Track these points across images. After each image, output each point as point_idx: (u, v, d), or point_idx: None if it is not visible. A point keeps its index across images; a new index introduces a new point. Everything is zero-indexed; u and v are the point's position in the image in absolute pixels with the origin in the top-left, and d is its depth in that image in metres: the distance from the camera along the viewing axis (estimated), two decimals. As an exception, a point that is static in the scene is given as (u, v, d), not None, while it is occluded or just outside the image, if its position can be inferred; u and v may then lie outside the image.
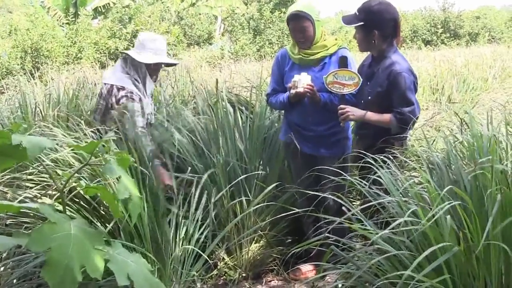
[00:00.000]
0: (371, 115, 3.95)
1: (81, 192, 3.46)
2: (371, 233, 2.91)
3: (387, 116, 3.91)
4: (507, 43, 25.93)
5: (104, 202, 3.20)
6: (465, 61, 11.17)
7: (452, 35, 29.32)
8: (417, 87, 4.01)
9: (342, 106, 3.96)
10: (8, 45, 18.39)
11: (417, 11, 32.78)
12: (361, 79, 3.87)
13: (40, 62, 17.24)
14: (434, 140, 3.97)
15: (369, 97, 3.99)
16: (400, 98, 3.88)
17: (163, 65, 4.77)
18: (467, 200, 2.45)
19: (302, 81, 4.00)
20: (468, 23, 29.97)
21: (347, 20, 4.05)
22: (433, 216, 2.45)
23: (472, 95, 9.32)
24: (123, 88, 4.37)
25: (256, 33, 22.26)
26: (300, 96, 4.05)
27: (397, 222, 2.56)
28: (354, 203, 4.17)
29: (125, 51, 4.63)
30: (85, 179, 3.47)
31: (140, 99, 4.41)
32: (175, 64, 5.12)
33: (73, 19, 21.73)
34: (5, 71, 16.53)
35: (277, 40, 21.69)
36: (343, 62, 4.02)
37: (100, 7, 28.19)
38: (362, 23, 3.94)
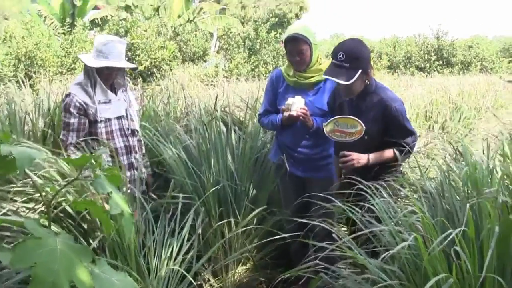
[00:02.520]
0: (374, 157, 3.75)
1: (66, 208, 3.40)
2: (362, 260, 2.86)
3: (390, 152, 3.74)
4: (499, 73, 26.11)
5: (96, 218, 3.14)
6: (460, 90, 11.21)
7: (444, 63, 29.54)
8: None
9: (346, 153, 3.76)
10: (1, 52, 18.28)
11: (411, 37, 33.01)
12: (364, 127, 3.66)
13: (33, 70, 17.16)
14: (427, 169, 3.92)
15: (365, 137, 3.73)
16: (402, 131, 3.76)
17: (126, 70, 4.55)
18: (468, 229, 2.41)
19: (296, 105, 3.96)
20: (461, 51, 30.21)
21: (346, 77, 3.61)
22: (433, 247, 2.40)
23: (465, 123, 9.35)
24: (68, 95, 4.19)
25: (251, 52, 22.29)
26: (293, 119, 4.02)
27: (394, 250, 2.50)
28: (343, 228, 4.11)
29: (78, 55, 4.53)
30: (71, 195, 3.41)
31: (84, 106, 4.17)
32: (135, 69, 4.80)
33: (69, 29, 21.69)
34: (-2, 78, 16.42)
35: (271, 60, 21.68)
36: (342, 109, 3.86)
37: (97, 19, 28.29)
38: (360, 70, 3.64)
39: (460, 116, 9.47)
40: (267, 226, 4.41)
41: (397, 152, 3.66)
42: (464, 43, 31.87)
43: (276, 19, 30.68)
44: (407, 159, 3.73)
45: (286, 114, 4.00)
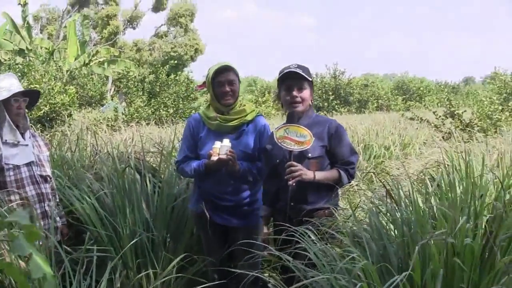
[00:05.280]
0: (320, 174, 3.69)
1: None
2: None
3: (334, 171, 3.74)
4: (400, 111, 27.12)
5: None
6: (367, 129, 11.54)
7: (342, 101, 30.39)
8: None
9: (293, 163, 3.64)
10: None
11: (308, 77, 33.82)
12: (313, 138, 3.61)
13: None
14: (355, 208, 3.90)
15: (309, 154, 3.71)
16: (347, 148, 3.80)
17: (26, 114, 4.37)
18: (416, 274, 2.36)
19: (224, 148, 3.84)
20: (358, 90, 31.26)
21: (305, 73, 3.80)
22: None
23: (376, 162, 9.54)
24: None
25: (151, 95, 22.08)
26: (222, 163, 3.89)
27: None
28: (272, 275, 4.00)
29: None
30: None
31: None
32: (37, 94, 4.54)
33: (-39, 73, 20.79)
34: None
35: (172, 103, 21.55)
36: (292, 117, 3.76)
37: (-10, 61, 27.28)
38: (311, 80, 3.84)
39: (370, 155, 9.69)
40: (189, 275, 4.26)
41: (342, 172, 3.71)
42: (360, 82, 33.01)
43: (175, 62, 30.68)
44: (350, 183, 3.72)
45: (214, 158, 3.85)
